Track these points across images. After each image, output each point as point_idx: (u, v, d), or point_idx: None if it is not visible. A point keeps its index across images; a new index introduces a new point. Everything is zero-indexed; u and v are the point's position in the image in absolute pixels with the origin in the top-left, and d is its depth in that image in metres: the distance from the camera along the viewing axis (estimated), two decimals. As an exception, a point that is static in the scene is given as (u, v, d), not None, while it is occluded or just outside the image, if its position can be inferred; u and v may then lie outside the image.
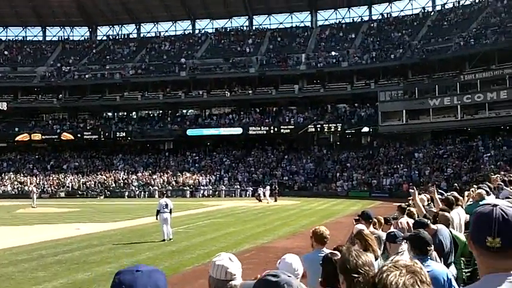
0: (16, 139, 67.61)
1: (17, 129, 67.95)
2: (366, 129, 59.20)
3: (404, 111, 55.56)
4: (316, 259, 5.65)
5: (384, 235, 7.92)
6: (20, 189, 60.63)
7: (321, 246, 6.09)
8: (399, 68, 59.85)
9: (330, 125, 60.61)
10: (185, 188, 56.94)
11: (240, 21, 77.11)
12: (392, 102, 56.44)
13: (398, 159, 54.87)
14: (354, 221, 8.70)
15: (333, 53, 65.07)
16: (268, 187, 46.90)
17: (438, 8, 67.81)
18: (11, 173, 64.08)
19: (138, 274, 1.81)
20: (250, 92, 65.60)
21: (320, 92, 63.62)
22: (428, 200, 13.07)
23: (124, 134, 67.08)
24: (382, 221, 8.90)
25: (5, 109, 67.98)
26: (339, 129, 60.69)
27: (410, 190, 11.83)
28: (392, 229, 8.74)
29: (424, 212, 9.11)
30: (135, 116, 71.83)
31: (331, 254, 4.80)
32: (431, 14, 67.10)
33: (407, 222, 9.34)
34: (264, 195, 44.62)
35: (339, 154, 59.86)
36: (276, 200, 43.63)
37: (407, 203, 11.90)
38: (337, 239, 9.61)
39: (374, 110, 58.91)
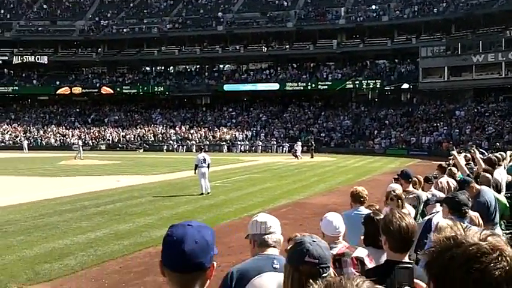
0: (57, 92, 69.07)
1: (57, 82, 69.30)
2: (405, 85, 58.09)
3: (446, 67, 54.12)
4: (354, 217, 5.72)
5: (423, 195, 7.88)
6: (62, 141, 62.35)
7: (359, 205, 6.15)
8: (442, 22, 57.88)
9: (369, 82, 59.64)
10: (222, 143, 57.47)
11: (278, -26, 75.31)
12: (433, 59, 54.98)
13: (438, 117, 53.80)
14: (393, 180, 8.65)
15: (373, 7, 63.38)
16: (299, 143, 46.52)
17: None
18: (53, 126, 65.81)
19: (189, 228, 1.94)
20: (287, 47, 64.85)
21: (359, 47, 62.37)
22: (468, 160, 12.88)
23: (162, 89, 67.72)
24: (422, 180, 8.81)
25: (46, 63, 69.32)
26: (378, 86, 59.72)
27: (452, 151, 11.63)
28: (432, 189, 8.69)
29: (467, 172, 8.98)
30: (172, 71, 72.20)
31: (373, 213, 4.82)
32: (478, -35, 64.07)
33: (448, 182, 9.24)
34: (296, 151, 44.68)
35: (377, 111, 59.08)
36: (312, 157, 43.63)
37: (447, 162, 11.74)
38: (374, 197, 9.60)
39: (415, 66, 57.60)
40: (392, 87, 59.73)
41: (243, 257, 9.49)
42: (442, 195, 8.04)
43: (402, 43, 60.28)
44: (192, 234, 1.91)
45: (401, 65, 61.11)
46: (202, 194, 19.20)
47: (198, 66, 70.87)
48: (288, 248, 2.51)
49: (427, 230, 5.46)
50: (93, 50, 71.61)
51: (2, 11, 75.66)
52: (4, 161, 40.20)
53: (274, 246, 3.28)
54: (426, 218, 5.99)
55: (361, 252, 4.12)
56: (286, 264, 2.42)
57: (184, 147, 57.86)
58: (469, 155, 14.46)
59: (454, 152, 10.98)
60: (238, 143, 57.53)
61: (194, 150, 52.76)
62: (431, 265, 1.35)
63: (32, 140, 61.71)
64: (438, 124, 52.15)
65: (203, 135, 59.88)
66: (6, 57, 69.81)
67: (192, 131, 60.83)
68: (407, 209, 6.02)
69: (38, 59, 69.20)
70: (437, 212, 5.93)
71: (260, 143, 56.70)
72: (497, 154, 11.56)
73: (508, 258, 1.26)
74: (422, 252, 1.42)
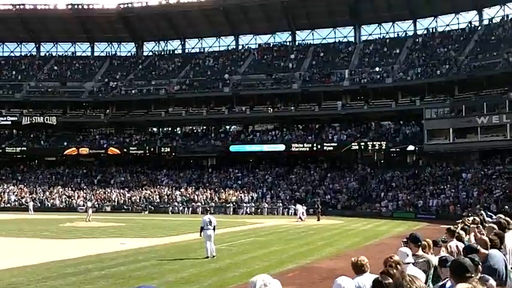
0: (64, 153, 69.54)
1: (65, 143, 69.85)
2: (411, 147, 58.12)
3: (451, 129, 54.28)
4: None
5: (433, 258, 7.75)
6: (67, 202, 62.18)
7: (361, 274, 6.09)
8: (445, 84, 58.61)
9: (374, 143, 59.74)
10: (228, 205, 57.11)
11: (283, 37, 77.48)
12: (438, 120, 55.28)
13: (444, 180, 53.45)
14: (402, 243, 8.55)
15: (377, 69, 64.40)
16: (299, 206, 46.57)
17: (485, 22, 66.04)
18: (59, 187, 65.81)
19: None
20: (292, 108, 65.61)
21: (364, 108, 63.00)
22: (477, 223, 12.74)
23: (168, 150, 68.09)
24: (431, 243, 8.69)
25: (55, 123, 70.27)
26: (383, 147, 59.74)
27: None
28: (442, 253, 8.55)
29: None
30: (179, 132, 72.90)
31: (381, 277, 4.74)
32: (478, 28, 65.50)
33: (457, 246, 9.12)
34: (296, 214, 44.52)
35: (383, 173, 58.89)
36: (318, 219, 43.22)
37: (456, 226, 11.62)
38: (381, 261, 9.44)
39: (419, 127, 57.83)
40: (397, 149, 59.79)
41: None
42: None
43: (406, 105, 60.80)
44: None
45: (406, 126, 61.45)
46: (207, 257, 18.93)
47: (204, 127, 71.59)
48: None
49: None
50: (101, 111, 72.66)
51: (14, 73, 77.43)
52: (9, 222, 40.02)
53: None
54: (442, 282, 5.86)
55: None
56: None
57: (190, 209, 57.50)
58: (477, 219, 14.32)
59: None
60: (244, 204, 57.18)
61: (200, 212, 52.46)
62: None
63: (37, 201, 61.60)
64: (445, 187, 51.73)
65: (209, 196, 59.64)
66: (16, 118, 70.83)
67: (197, 192, 60.64)
68: (417, 273, 5.92)
69: (46, 119, 70.22)
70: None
71: (266, 205, 56.34)
72: (507, 218, 11.42)
73: None
74: None
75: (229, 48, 78.44)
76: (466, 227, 11.08)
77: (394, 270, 5.23)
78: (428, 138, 55.36)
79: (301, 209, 45.14)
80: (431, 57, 62.95)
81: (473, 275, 4.99)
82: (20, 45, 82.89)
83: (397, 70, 63.41)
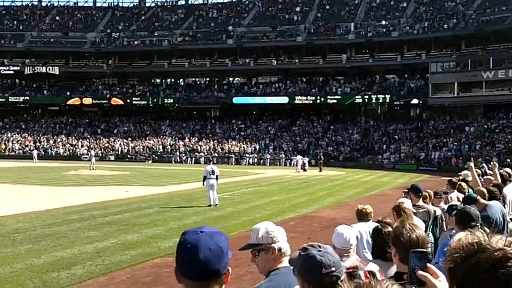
0: (68, 103, 69.59)
1: (68, 93, 69.82)
2: (415, 101, 57.98)
3: (456, 83, 54.01)
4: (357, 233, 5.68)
5: (433, 209, 7.84)
6: (71, 151, 62.66)
7: (364, 222, 6.12)
8: (452, 38, 57.87)
9: (378, 96, 59.59)
10: (231, 156, 57.51)
11: (288, -11, 75.83)
12: (443, 74, 54.91)
13: (448, 133, 53.59)
14: (403, 193, 8.62)
15: (383, 22, 63.47)
16: (299, 157, 46.84)
17: (496, -24, 64.68)
18: (63, 136, 66.18)
19: (202, 235, 1.91)
20: (297, 61, 65.06)
21: (369, 62, 62.44)
22: (479, 175, 12.79)
23: (171, 101, 68.05)
24: (432, 194, 8.78)
25: (57, 73, 70.00)
26: (387, 101, 59.62)
27: (469, 163, 11.58)
28: (441, 204, 8.64)
29: (480, 185, 8.93)
30: (182, 83, 72.58)
31: (381, 225, 4.78)
32: (488, -18, 64.12)
33: (458, 197, 9.19)
34: (296, 165, 44.90)
35: (386, 126, 58.96)
36: (320, 170, 43.58)
37: (457, 178, 11.68)
38: (383, 211, 9.56)
39: (424, 81, 57.53)
40: (401, 102, 59.62)
41: (250, 269, 9.46)
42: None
43: (412, 58, 60.29)
44: (206, 241, 1.88)
45: (411, 80, 61.07)
46: (210, 205, 19.18)
47: (207, 78, 71.23)
48: (298, 263, 2.42)
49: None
50: (104, 61, 72.18)
51: (15, 22, 76.59)
52: (14, 170, 40.43)
53: (286, 256, 3.16)
54: (448, 232, 5.94)
55: (373, 266, 4.09)
56: (302, 282, 2.35)
57: (193, 159, 57.95)
58: (479, 171, 14.37)
59: (471, 164, 10.97)
60: (247, 155, 57.55)
61: (202, 162, 52.85)
62: (454, 271, 1.35)
63: (41, 150, 62.07)
64: (448, 140, 51.92)
65: (212, 147, 59.96)
66: (18, 68, 70.58)
67: (200, 143, 60.96)
68: (417, 223, 5.97)
69: (49, 69, 69.95)
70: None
71: (269, 156, 56.68)
72: (508, 170, 11.48)
73: None
74: (444, 259, 1.42)
75: (233, 0, 77.10)
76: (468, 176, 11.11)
77: (386, 219, 5.29)
78: (432, 92, 55.13)
79: (300, 160, 45.44)
80: (439, 11, 61.91)
81: (478, 224, 5.06)
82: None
83: (403, 24, 62.46)
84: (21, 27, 75.48)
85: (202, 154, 58.13)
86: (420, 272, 1.66)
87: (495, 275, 1.26)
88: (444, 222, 7.65)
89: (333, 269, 2.27)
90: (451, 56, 57.49)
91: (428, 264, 1.69)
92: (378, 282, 1.05)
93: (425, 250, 1.84)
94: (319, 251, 2.35)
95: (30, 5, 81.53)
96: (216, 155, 57.14)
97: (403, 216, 5.80)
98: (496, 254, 1.29)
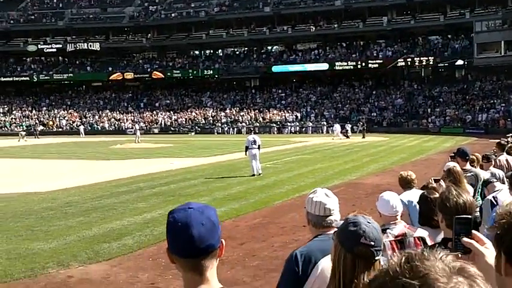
0: (110, 78, 70.76)
1: (110, 68, 70.94)
2: (460, 62, 56.24)
3: (502, 42, 52.01)
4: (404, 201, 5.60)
5: (481, 173, 7.65)
6: (116, 125, 63.99)
7: (408, 190, 6.00)
8: (497, -5, 55.55)
9: (421, 59, 58.06)
10: (272, 125, 57.50)
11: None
12: (489, 33, 52.89)
13: (495, 94, 51.97)
14: (450, 158, 8.44)
15: (425, -18, 61.31)
16: (337, 125, 46.54)
17: None
18: (107, 111, 67.56)
19: (191, 211, 1.85)
20: (335, 25, 63.88)
21: (410, 23, 60.70)
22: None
23: (211, 72, 68.24)
24: (480, 158, 8.56)
25: (98, 49, 71.10)
26: (431, 63, 58.08)
27: None
28: (491, 167, 8.41)
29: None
30: (221, 54, 72.55)
31: (427, 192, 4.70)
32: None
33: (507, 160, 8.93)
34: (335, 132, 44.69)
35: (430, 89, 57.59)
36: (363, 137, 43.14)
37: (506, 140, 11.36)
38: (428, 176, 9.40)
39: (469, 41, 55.68)
40: (446, 64, 57.99)
41: (296, 237, 9.55)
42: (501, 173, 7.79)
43: (455, 18, 58.30)
44: (197, 217, 1.83)
45: (455, 40, 59.19)
46: (253, 175, 19.30)
47: (246, 48, 70.92)
48: (340, 227, 2.44)
49: (494, 207, 5.30)
50: (143, 35, 72.77)
51: (55, 1, 77.81)
52: (62, 145, 41.65)
53: (334, 226, 3.21)
54: (491, 195, 5.82)
55: (422, 232, 4.05)
56: (337, 245, 2.35)
57: (235, 129, 58.27)
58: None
59: None
60: (288, 124, 57.42)
61: (244, 132, 53.08)
62: (502, 238, 1.31)
63: (87, 125, 63.62)
64: (495, 101, 50.40)
65: (253, 117, 60.08)
66: (61, 45, 71.99)
67: (242, 113, 61.13)
68: (466, 187, 5.84)
69: (90, 46, 71.09)
70: (501, 189, 5.74)
71: (310, 124, 56.40)
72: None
73: None
74: (490, 226, 1.38)
75: (269, -34, 75.81)
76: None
77: (442, 184, 5.18)
78: (478, 52, 53.33)
79: (338, 128, 45.18)
80: (484, -33, 59.26)
81: None
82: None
83: (446, -19, 60.21)
84: (61, 5, 76.66)
85: (243, 124, 58.34)
86: (465, 239, 1.61)
87: None
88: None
89: (372, 243, 2.25)
90: (496, 13, 55.20)
91: (473, 231, 1.65)
92: (431, 252, 1.01)
93: (470, 216, 1.79)
94: (368, 222, 2.34)
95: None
96: (258, 124, 57.23)
97: (454, 180, 5.69)
98: None
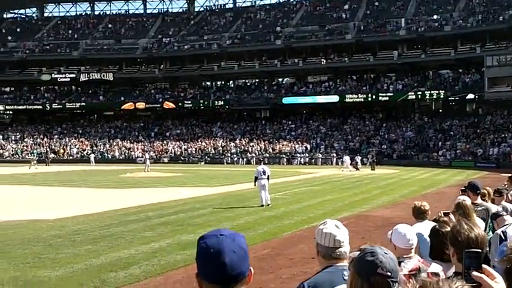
0: (122, 108, 71.45)
1: (122, 98, 71.72)
2: (470, 96, 56.27)
3: (513, 76, 52.09)
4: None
5: (493, 207, 7.55)
6: (126, 154, 64.30)
7: (421, 221, 5.94)
8: (507, 30, 55.67)
9: (432, 92, 58.18)
10: (282, 156, 57.52)
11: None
12: (500, 68, 53.04)
13: (506, 128, 51.79)
14: (460, 191, 8.36)
15: (435, 17, 61.89)
16: (346, 157, 46.43)
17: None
18: (118, 140, 68.04)
19: (223, 238, 1.86)
20: (346, 59, 64.37)
21: (421, 57, 61.06)
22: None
23: (222, 103, 68.73)
24: (491, 192, 8.47)
25: (111, 79, 72.09)
26: (442, 96, 58.19)
27: None
28: (503, 202, 8.31)
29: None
30: (232, 85, 73.19)
31: (439, 225, 4.65)
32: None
33: (518, 194, 8.81)
34: (344, 163, 44.59)
35: (441, 122, 57.52)
36: (373, 169, 42.97)
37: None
38: (439, 209, 9.30)
39: (480, 75, 55.78)
40: (456, 98, 58.02)
41: (305, 269, 9.43)
42: (512, 207, 7.69)
43: (466, 52, 58.57)
44: (229, 244, 1.84)
45: (466, 74, 59.34)
46: (262, 205, 19.21)
47: (257, 80, 71.54)
48: (357, 257, 2.41)
49: (503, 241, 5.21)
50: (155, 66, 73.71)
51: (70, 31, 79.30)
52: (73, 173, 41.82)
53: (343, 258, 3.18)
54: (500, 229, 5.74)
55: (437, 267, 3.98)
56: (354, 274, 2.33)
57: (244, 159, 58.32)
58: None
59: None
60: (298, 155, 57.40)
61: (254, 162, 53.09)
62: (511, 272, 1.29)
63: (98, 154, 63.98)
64: (506, 135, 50.20)
65: (263, 147, 60.18)
66: (74, 75, 73.04)
67: (251, 144, 61.28)
68: (476, 221, 5.77)
69: (103, 76, 72.13)
70: (510, 224, 5.65)
71: (320, 156, 56.32)
72: None
73: None
74: (500, 259, 1.36)
75: (281, 1, 77.18)
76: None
77: (452, 218, 5.12)
78: (489, 86, 53.39)
79: (348, 160, 45.09)
80: (493, 3, 59.87)
81: None
82: (75, 5, 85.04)
83: (456, 17, 60.76)
84: (76, 36, 78.05)
85: (253, 155, 58.42)
86: (475, 273, 1.59)
87: None
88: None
89: (389, 273, 2.22)
90: (507, 48, 55.44)
91: (483, 265, 1.63)
92: (447, 281, 0.99)
93: (479, 250, 1.77)
94: (385, 253, 2.32)
95: (83, 14, 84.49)
96: (267, 155, 57.28)
97: (464, 214, 5.62)
98: None
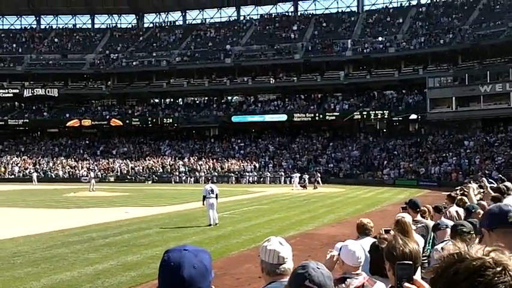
0: (67, 125, 69.70)
1: (67, 115, 69.98)
2: (413, 116, 58.09)
3: (453, 98, 54.17)
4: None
5: (431, 224, 7.82)
6: (71, 173, 62.59)
7: (364, 237, 6.06)
8: (449, 53, 58.26)
9: (377, 112, 59.75)
10: (230, 174, 57.46)
11: (285, 7, 76.85)
12: (441, 89, 55.12)
13: (447, 148, 53.63)
14: (401, 209, 8.59)
15: (380, 39, 63.93)
16: (295, 175, 47.16)
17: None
18: (62, 158, 66.18)
19: (186, 253, 1.89)
20: (295, 78, 65.35)
21: (366, 78, 62.76)
22: (478, 189, 12.84)
23: (170, 120, 68.15)
24: (431, 209, 8.76)
25: (56, 95, 70.33)
26: (386, 116, 59.79)
27: (468, 185, 11.71)
28: (442, 218, 8.61)
29: (475, 203, 8.96)
30: (181, 103, 72.80)
31: (378, 241, 4.76)
32: (483, -3, 64.71)
33: (457, 211, 9.17)
34: (292, 182, 45.27)
35: (385, 142, 59.02)
36: (315, 188, 43.51)
37: (457, 192, 11.68)
38: (383, 227, 9.52)
39: (422, 96, 57.72)
40: (400, 118, 59.76)
41: (251, 289, 9.41)
42: (450, 224, 7.98)
43: (409, 74, 60.60)
44: (190, 259, 1.86)
45: (409, 95, 61.29)
46: (210, 225, 19.12)
47: (206, 98, 71.47)
48: (292, 271, 2.48)
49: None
50: (102, 82, 72.54)
51: (14, 45, 77.09)
52: (14, 193, 40.35)
53: (287, 274, 3.23)
54: (440, 245, 5.94)
55: (381, 285, 4.07)
56: (286, 287, 2.40)
57: (193, 178, 57.89)
58: (477, 184, 14.43)
59: (471, 185, 11.12)
60: (247, 174, 57.50)
61: (202, 181, 52.78)
62: (436, 281, 1.37)
63: (41, 172, 62.01)
64: (447, 154, 51.95)
65: (211, 166, 59.94)
66: (18, 91, 70.86)
67: (200, 162, 60.93)
68: (415, 238, 5.94)
69: (48, 91, 70.30)
70: (448, 241, 5.87)
71: (268, 174, 56.64)
72: (507, 184, 11.49)
73: (511, 272, 1.28)
74: (427, 269, 1.43)
75: (231, 20, 77.79)
76: (466, 193, 11.15)
77: (390, 233, 5.26)
78: (431, 106, 55.31)
79: (296, 178, 45.77)
80: (435, 27, 62.38)
81: (472, 236, 5.05)
82: (19, 18, 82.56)
83: (400, 39, 62.92)
84: (20, 50, 75.99)
85: (202, 173, 58.09)
86: (406, 284, 1.67)
87: (474, 284, 1.28)
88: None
89: (315, 287, 2.28)
90: (448, 70, 57.79)
91: (414, 277, 1.71)
92: None
93: (411, 262, 1.86)
94: (317, 267, 2.37)
95: (29, 28, 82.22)
96: (216, 174, 57.10)
97: (402, 230, 5.78)
98: (474, 263, 1.31)
